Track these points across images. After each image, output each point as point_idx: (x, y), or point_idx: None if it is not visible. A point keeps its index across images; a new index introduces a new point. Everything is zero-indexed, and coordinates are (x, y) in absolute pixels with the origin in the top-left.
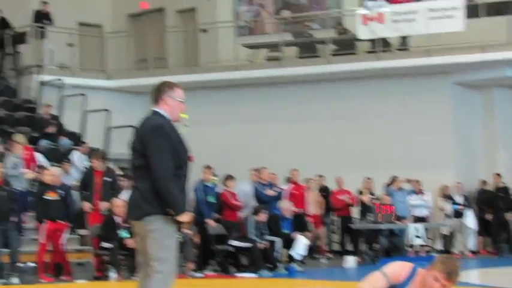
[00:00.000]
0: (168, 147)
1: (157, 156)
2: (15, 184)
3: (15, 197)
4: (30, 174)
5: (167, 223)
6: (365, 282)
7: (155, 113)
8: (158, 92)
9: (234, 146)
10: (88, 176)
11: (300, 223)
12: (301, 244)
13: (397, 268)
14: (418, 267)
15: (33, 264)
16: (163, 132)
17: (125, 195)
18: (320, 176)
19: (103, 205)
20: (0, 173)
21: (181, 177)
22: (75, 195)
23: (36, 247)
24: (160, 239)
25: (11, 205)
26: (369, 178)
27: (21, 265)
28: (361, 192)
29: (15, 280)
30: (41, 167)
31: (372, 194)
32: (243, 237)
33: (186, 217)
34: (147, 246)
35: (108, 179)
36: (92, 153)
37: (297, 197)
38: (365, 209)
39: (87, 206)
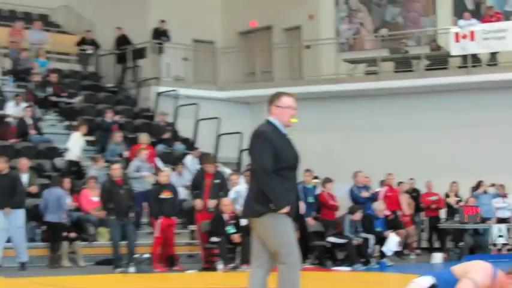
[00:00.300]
0: (268, 151)
1: (257, 157)
2: (136, 185)
3: (134, 195)
4: (150, 178)
5: (280, 219)
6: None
7: (266, 121)
8: (268, 103)
9: (333, 152)
10: (199, 177)
11: (394, 222)
12: (392, 241)
13: (484, 275)
14: (497, 270)
15: (148, 256)
16: (263, 138)
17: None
18: (411, 179)
19: (211, 203)
20: (120, 173)
21: (288, 178)
22: (184, 194)
23: (151, 240)
24: (278, 235)
25: (130, 202)
26: (454, 182)
27: (137, 256)
28: (447, 195)
29: (131, 269)
30: (158, 169)
31: (457, 196)
32: (339, 234)
33: (285, 209)
34: (268, 243)
35: (217, 181)
36: (203, 157)
37: (392, 199)
38: (451, 210)
39: (198, 203)
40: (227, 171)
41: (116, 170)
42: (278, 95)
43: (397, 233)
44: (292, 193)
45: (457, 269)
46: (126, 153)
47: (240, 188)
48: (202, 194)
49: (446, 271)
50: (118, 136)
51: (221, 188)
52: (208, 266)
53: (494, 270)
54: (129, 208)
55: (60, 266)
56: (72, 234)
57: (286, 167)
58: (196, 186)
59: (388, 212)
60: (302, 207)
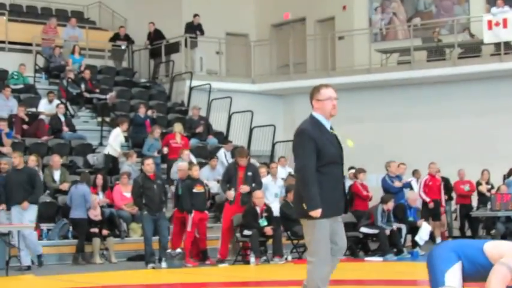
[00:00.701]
0: (309, 149)
1: (299, 157)
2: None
3: (166, 191)
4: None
5: (316, 221)
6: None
7: (310, 116)
8: (310, 98)
9: (368, 142)
10: (231, 170)
11: (435, 211)
12: (425, 230)
13: None
14: None
15: (180, 250)
16: (304, 135)
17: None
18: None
19: (244, 188)
20: (152, 168)
21: (332, 174)
22: (218, 188)
23: (184, 235)
24: (310, 233)
25: (162, 197)
26: (486, 170)
27: (170, 251)
28: (479, 183)
29: (163, 265)
30: (191, 163)
31: (488, 184)
32: (372, 225)
33: (315, 213)
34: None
35: (250, 173)
36: (236, 150)
37: (433, 188)
38: (483, 198)
39: (230, 194)
40: (255, 164)
41: (149, 165)
42: (317, 88)
43: (437, 222)
44: (337, 189)
45: (491, 249)
46: (165, 150)
47: (266, 180)
48: (235, 186)
49: (478, 250)
50: (157, 132)
51: (254, 180)
52: (241, 259)
53: None
54: (162, 203)
55: (85, 263)
56: (105, 232)
57: (329, 163)
58: (229, 179)
59: (428, 199)
60: None
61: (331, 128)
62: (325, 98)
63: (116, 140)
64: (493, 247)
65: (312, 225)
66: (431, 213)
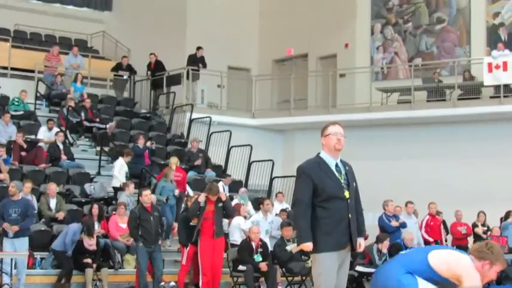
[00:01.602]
0: (303, 184)
1: (294, 192)
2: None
3: (163, 223)
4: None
5: (318, 255)
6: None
7: (316, 154)
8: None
9: (366, 180)
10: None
11: None
12: None
13: (474, 274)
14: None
15: (173, 284)
16: (300, 172)
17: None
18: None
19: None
20: (150, 200)
21: (333, 209)
22: None
23: (177, 268)
24: (314, 269)
25: (159, 229)
26: (481, 212)
27: (163, 284)
28: (475, 225)
29: None
30: (188, 196)
31: (484, 226)
32: (368, 264)
33: (305, 247)
34: None
35: (220, 204)
36: (207, 187)
37: (434, 228)
38: (479, 239)
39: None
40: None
41: (147, 196)
42: (325, 126)
43: None
44: (339, 224)
45: (437, 263)
46: (177, 192)
47: (257, 217)
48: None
49: (425, 266)
50: (171, 174)
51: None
52: None
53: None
54: (158, 235)
55: None
56: (91, 263)
57: (329, 198)
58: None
59: (432, 240)
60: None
61: (341, 162)
62: (331, 134)
63: (121, 171)
64: (437, 261)
65: (314, 259)
66: None
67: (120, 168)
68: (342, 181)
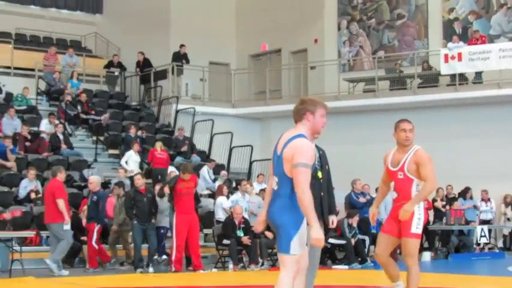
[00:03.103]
0: None
1: None
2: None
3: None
4: None
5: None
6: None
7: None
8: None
9: (336, 163)
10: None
11: None
12: None
13: (308, 150)
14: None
15: (165, 257)
16: None
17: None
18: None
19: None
20: (142, 183)
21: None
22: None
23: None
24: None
25: (152, 209)
26: (440, 188)
27: (156, 257)
28: (435, 200)
29: (151, 269)
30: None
31: (442, 200)
32: (339, 236)
33: None
34: None
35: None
36: (182, 166)
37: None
38: (439, 213)
39: None
40: None
41: (139, 180)
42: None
43: None
44: (314, 201)
45: (286, 155)
46: None
47: (236, 196)
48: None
49: (279, 163)
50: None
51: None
52: (221, 266)
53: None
54: (151, 215)
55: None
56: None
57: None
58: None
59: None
60: (333, 220)
61: (316, 147)
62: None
63: (131, 161)
64: (287, 150)
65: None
66: None
67: (128, 157)
68: (316, 162)
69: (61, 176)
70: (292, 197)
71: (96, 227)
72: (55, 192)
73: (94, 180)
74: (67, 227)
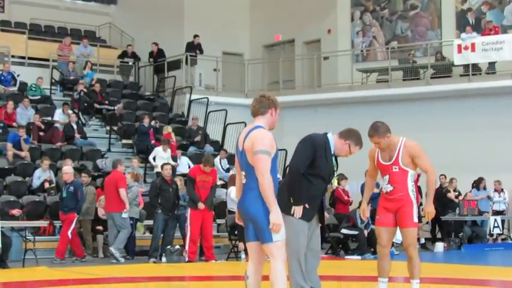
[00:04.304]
0: (307, 154)
1: (296, 158)
2: None
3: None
4: None
5: (294, 220)
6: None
7: (324, 133)
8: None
9: None
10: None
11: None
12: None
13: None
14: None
15: (178, 247)
16: (309, 142)
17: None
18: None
19: None
20: (170, 173)
21: (315, 185)
22: None
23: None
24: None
25: (176, 200)
26: (454, 178)
27: (169, 247)
28: (448, 191)
29: (164, 259)
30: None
31: (455, 191)
32: (352, 226)
33: (299, 208)
34: None
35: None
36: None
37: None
38: (451, 204)
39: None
40: None
41: (167, 170)
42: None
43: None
44: (316, 200)
45: (247, 146)
46: None
47: None
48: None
49: (243, 157)
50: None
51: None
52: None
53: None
54: (175, 205)
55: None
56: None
57: (316, 175)
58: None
59: None
60: (327, 216)
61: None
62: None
63: (156, 157)
64: (247, 142)
65: (288, 220)
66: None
67: (155, 154)
68: (334, 169)
69: (121, 167)
70: None
71: (76, 218)
72: (118, 182)
73: (68, 170)
74: (126, 215)
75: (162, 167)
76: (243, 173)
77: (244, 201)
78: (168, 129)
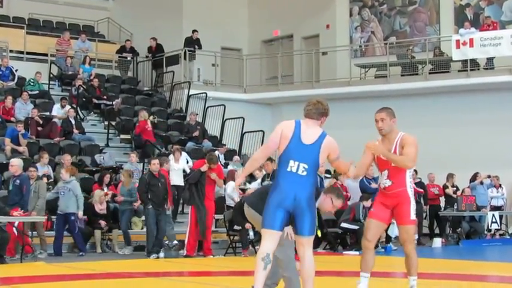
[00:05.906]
0: None
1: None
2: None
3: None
4: None
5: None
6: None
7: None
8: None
9: (347, 147)
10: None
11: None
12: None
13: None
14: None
15: (176, 242)
16: None
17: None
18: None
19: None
20: (158, 168)
21: None
22: None
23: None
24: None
25: (165, 195)
26: (452, 174)
27: (167, 243)
28: (446, 186)
29: (161, 255)
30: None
31: (453, 186)
32: (352, 220)
33: None
34: None
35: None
36: (208, 158)
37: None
38: (450, 199)
39: None
40: None
41: (154, 164)
42: None
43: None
44: None
45: (325, 148)
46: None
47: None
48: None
49: (313, 152)
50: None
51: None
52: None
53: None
54: (164, 200)
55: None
56: (102, 223)
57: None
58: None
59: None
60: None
61: None
62: None
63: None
64: (323, 152)
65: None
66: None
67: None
68: None
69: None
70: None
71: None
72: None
73: (16, 163)
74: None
75: (149, 162)
76: (305, 166)
77: (302, 192)
78: (144, 115)
